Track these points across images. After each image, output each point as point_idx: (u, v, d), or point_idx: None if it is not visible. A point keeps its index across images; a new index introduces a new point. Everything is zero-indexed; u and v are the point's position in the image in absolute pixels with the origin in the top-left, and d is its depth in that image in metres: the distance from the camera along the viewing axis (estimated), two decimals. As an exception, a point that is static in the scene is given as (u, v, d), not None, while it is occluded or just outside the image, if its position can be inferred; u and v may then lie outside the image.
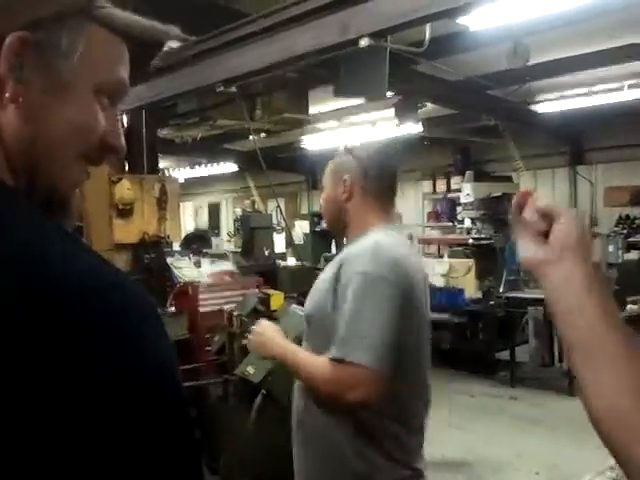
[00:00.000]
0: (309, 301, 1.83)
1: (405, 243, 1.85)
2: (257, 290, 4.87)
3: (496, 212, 8.77)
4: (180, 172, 14.08)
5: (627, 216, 9.89)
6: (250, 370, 3.76)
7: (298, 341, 2.92)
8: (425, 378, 1.81)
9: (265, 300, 4.52)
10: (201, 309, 4.96)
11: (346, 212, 1.82)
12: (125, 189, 5.25)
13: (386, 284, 1.61)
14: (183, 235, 9.85)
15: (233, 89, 3.66)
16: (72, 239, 0.65)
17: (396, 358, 1.61)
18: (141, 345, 0.62)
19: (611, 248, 6.54)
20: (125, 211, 5.23)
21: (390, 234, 1.78)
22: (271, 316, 4.34)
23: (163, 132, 7.85)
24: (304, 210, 14.86)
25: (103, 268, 0.64)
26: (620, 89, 7.57)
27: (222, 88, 3.63)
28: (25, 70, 0.64)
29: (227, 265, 6.12)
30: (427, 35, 3.78)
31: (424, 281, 1.81)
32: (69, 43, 0.67)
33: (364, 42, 2.89)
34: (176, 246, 7.91)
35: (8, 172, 0.65)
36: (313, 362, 1.69)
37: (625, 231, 7.35)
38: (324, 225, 11.38)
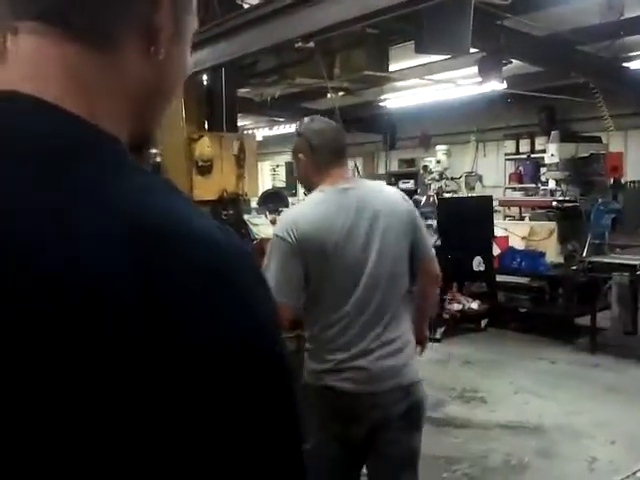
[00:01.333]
0: None
1: (322, 198, 2.32)
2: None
3: (583, 173, 8.42)
4: (259, 131, 14.18)
5: None
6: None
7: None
8: (341, 295, 2.28)
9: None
10: (277, 265, 5.02)
11: (310, 182, 2.40)
12: (205, 146, 5.32)
13: (277, 240, 2.26)
14: (260, 193, 10.00)
15: (311, 44, 3.61)
16: (176, 191, 0.63)
17: (295, 289, 2.24)
18: (248, 300, 0.59)
19: None
20: (204, 168, 5.31)
21: (314, 195, 2.35)
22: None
23: (242, 91, 7.90)
24: (381, 170, 14.71)
25: (207, 221, 0.61)
26: None
27: (300, 44, 3.59)
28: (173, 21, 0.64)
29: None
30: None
31: (351, 219, 2.26)
32: None
33: (447, -7, 2.78)
34: (254, 203, 8.03)
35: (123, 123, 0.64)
36: None
37: None
38: (402, 184, 11.26)
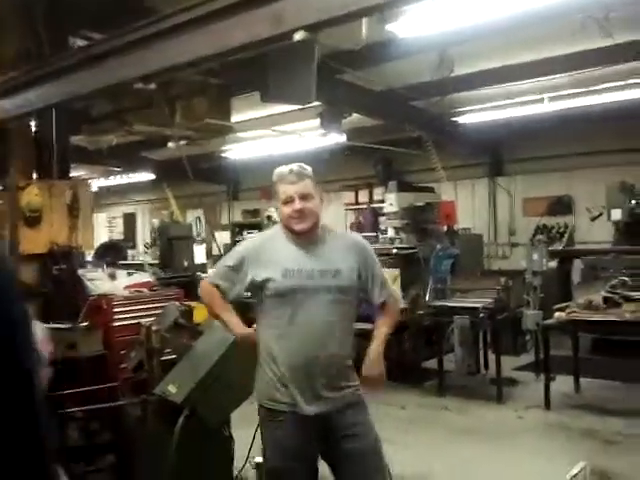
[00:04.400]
0: (340, 278, 2.70)
1: None
2: (178, 303, 4.58)
3: (419, 221, 8.76)
4: (94, 181, 13.47)
5: (544, 225, 10.16)
6: (171, 389, 3.48)
7: (225, 358, 3.04)
8: None
9: (187, 313, 4.24)
10: (116, 323, 4.63)
11: (318, 217, 2.76)
12: (33, 195, 4.83)
13: None
14: (96, 246, 9.39)
15: (152, 86, 3.38)
16: None
17: None
18: None
19: (535, 257, 6.60)
20: (33, 219, 4.81)
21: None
22: (194, 329, 4.08)
23: (76, 138, 7.39)
24: (224, 221, 14.52)
25: None
26: (539, 101, 7.72)
27: (140, 85, 3.35)
28: None
29: (145, 277, 5.78)
30: (364, 31, 3.64)
31: None
32: None
33: (299, 35, 2.70)
34: (89, 257, 7.48)
35: None
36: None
37: (544, 240, 7.48)
38: (246, 235, 11.10)
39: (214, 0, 2.89)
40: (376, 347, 2.82)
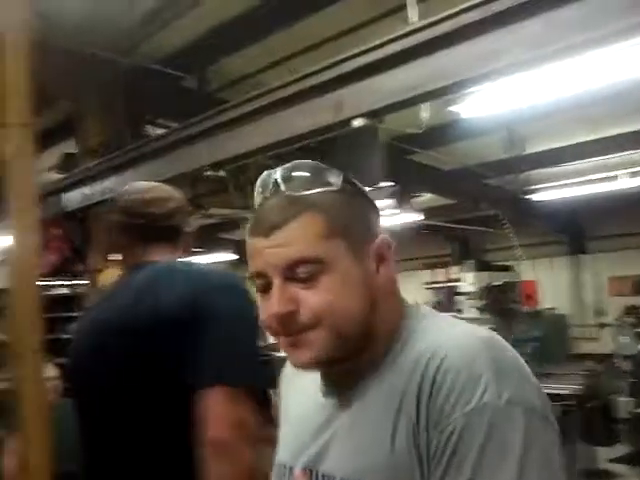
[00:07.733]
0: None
1: None
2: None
3: (499, 301, 8.51)
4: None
5: (632, 306, 9.64)
6: None
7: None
8: None
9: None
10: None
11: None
12: (109, 277, 5.02)
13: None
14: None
15: (221, 173, 3.50)
16: None
17: None
18: None
19: (624, 339, 6.23)
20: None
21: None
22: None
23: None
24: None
25: None
26: (616, 178, 7.50)
27: (210, 172, 3.47)
28: None
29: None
30: (424, 115, 3.67)
31: None
32: None
33: (357, 122, 2.74)
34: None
35: None
36: None
37: (633, 321, 7.08)
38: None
39: (278, 90, 2.99)
40: None
